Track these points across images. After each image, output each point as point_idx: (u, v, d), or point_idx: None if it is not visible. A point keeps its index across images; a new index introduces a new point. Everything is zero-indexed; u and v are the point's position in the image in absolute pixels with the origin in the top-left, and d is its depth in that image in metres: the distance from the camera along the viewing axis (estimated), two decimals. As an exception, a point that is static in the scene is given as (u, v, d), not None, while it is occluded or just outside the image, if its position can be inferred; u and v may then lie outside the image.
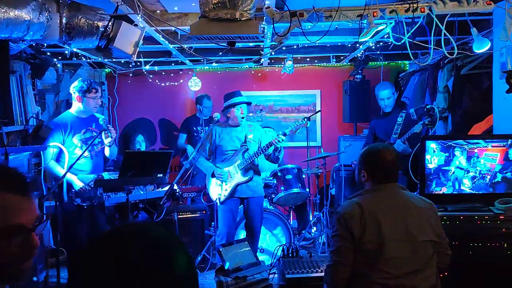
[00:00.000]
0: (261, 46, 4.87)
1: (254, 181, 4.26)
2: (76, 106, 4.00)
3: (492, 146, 3.18)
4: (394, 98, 4.84)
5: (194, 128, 5.95)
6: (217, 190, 4.27)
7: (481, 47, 3.46)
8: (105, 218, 4.36)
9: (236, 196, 4.24)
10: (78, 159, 3.66)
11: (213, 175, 4.23)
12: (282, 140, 4.02)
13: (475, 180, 3.21)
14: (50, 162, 3.79)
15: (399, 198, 2.24)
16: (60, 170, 3.78)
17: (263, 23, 3.34)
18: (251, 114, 6.59)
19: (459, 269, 2.80)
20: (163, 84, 6.48)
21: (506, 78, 3.20)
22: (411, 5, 3.02)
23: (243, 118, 4.26)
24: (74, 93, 3.97)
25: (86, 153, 3.86)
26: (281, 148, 4.17)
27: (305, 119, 4.12)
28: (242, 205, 4.36)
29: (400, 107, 5.18)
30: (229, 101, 4.28)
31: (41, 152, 4.04)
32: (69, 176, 3.73)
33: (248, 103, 4.35)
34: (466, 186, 3.23)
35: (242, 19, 2.92)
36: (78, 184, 3.83)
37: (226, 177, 4.18)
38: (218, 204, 4.29)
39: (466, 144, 3.20)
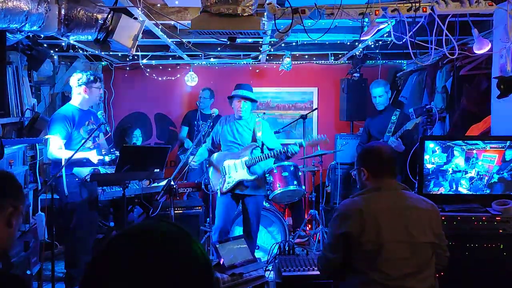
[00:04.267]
0: (260, 42, 4.85)
1: (257, 179, 4.19)
2: (80, 98, 4.02)
3: (491, 148, 3.18)
4: (387, 96, 4.79)
5: (195, 122, 5.93)
6: (218, 180, 4.22)
7: (481, 48, 3.45)
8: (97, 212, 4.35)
9: (236, 193, 4.17)
10: (80, 146, 3.68)
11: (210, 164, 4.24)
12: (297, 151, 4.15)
13: (472, 181, 3.21)
14: (55, 150, 3.74)
15: (400, 198, 2.23)
16: (67, 154, 3.70)
17: (264, 19, 3.31)
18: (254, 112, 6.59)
19: (456, 269, 2.80)
20: (160, 79, 6.44)
21: (497, 84, 3.20)
22: (414, 5, 3.01)
23: (240, 111, 4.17)
24: (79, 85, 3.97)
25: (91, 145, 3.92)
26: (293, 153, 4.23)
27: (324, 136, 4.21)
28: (240, 203, 4.29)
29: (398, 107, 5.17)
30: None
31: (36, 145, 4.01)
32: (82, 154, 3.74)
33: (246, 99, 4.16)
34: (464, 187, 3.23)
35: (244, 14, 2.90)
36: (94, 157, 3.85)
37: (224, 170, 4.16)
38: (219, 195, 4.24)
39: (465, 145, 3.20)
